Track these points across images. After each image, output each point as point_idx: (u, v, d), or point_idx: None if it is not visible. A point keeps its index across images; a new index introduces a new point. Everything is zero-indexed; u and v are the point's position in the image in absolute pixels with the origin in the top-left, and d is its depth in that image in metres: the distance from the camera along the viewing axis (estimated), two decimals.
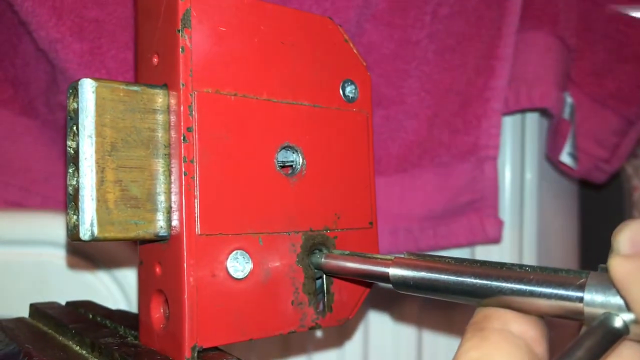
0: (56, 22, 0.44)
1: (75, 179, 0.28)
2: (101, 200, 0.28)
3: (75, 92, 0.28)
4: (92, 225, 0.28)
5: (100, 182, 0.28)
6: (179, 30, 0.29)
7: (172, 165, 0.29)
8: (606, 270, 0.21)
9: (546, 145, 0.59)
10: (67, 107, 0.29)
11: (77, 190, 0.28)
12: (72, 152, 0.28)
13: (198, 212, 0.29)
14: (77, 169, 0.28)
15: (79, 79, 0.28)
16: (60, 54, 0.44)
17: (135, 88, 0.29)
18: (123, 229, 0.29)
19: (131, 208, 0.29)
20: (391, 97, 0.52)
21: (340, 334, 0.56)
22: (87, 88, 0.28)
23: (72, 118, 0.28)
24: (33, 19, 0.43)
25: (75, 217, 0.28)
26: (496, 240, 0.53)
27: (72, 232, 0.28)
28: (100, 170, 0.28)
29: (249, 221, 0.31)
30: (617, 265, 0.20)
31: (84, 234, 0.28)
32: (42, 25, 0.43)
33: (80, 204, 0.28)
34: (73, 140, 0.28)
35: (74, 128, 0.28)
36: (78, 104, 0.28)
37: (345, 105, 0.35)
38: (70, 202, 0.29)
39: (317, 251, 0.33)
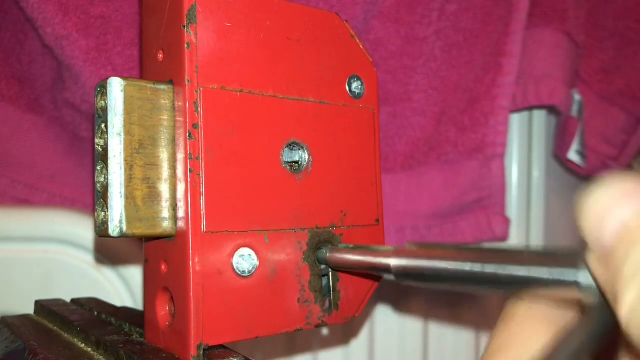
0: (62, 19, 0.44)
1: (104, 176, 0.29)
2: (130, 197, 0.28)
3: (103, 91, 0.29)
4: (121, 222, 0.28)
5: (129, 179, 0.28)
6: (184, 26, 0.29)
7: (178, 162, 0.29)
8: None
9: (554, 143, 0.58)
10: (95, 105, 0.29)
11: (105, 187, 0.28)
12: (101, 149, 0.29)
13: (204, 210, 0.29)
14: (105, 166, 0.28)
15: (108, 78, 0.28)
16: (66, 51, 0.44)
17: (162, 87, 0.29)
18: (151, 225, 0.29)
19: (158, 205, 0.29)
20: (398, 94, 0.52)
21: (346, 332, 0.56)
22: (116, 87, 0.28)
23: (101, 116, 0.29)
24: (39, 15, 0.43)
25: (103, 213, 0.28)
26: (503, 238, 0.53)
27: (101, 228, 0.29)
28: (129, 167, 0.28)
29: (255, 218, 0.30)
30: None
31: (113, 230, 0.28)
32: (48, 21, 0.43)
33: (109, 201, 0.28)
34: (101, 138, 0.29)
35: (102, 126, 0.29)
36: (106, 102, 0.28)
37: (351, 102, 0.35)
38: (98, 199, 0.29)
39: (323, 248, 0.33)
